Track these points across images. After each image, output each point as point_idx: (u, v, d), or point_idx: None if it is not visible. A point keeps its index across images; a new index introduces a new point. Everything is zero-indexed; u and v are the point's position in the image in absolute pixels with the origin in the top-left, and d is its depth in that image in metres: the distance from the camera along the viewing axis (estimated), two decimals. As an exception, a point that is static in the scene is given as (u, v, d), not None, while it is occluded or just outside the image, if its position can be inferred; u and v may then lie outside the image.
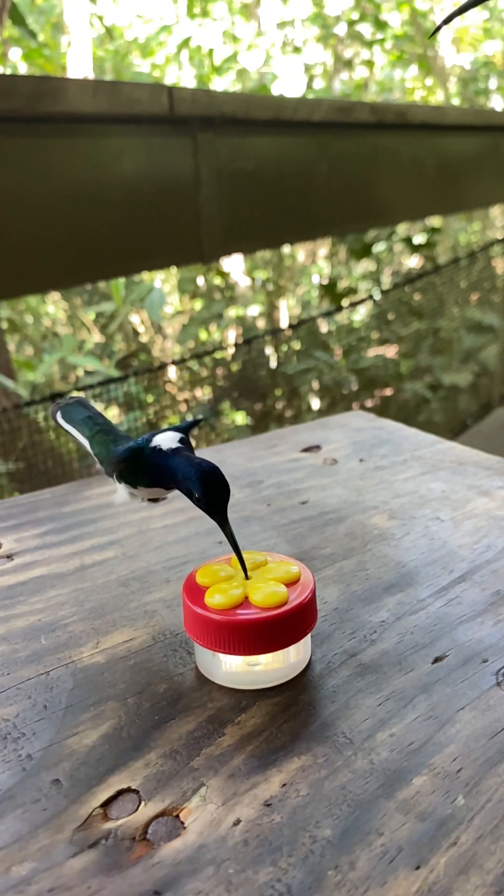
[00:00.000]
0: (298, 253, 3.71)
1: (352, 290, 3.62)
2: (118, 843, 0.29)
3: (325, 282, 3.66)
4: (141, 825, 0.30)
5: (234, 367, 2.92)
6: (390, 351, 3.53)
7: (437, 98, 4.67)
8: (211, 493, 0.39)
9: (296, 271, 3.71)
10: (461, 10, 0.34)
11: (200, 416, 0.57)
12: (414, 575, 0.48)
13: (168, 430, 0.45)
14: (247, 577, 0.40)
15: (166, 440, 0.43)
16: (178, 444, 0.42)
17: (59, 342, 2.95)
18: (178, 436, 0.43)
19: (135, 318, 3.30)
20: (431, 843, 0.29)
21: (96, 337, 3.22)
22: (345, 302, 3.40)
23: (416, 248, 3.78)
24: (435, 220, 3.93)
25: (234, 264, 3.46)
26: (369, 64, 4.47)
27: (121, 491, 0.46)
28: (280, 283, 3.59)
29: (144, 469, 0.43)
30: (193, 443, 0.46)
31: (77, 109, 1.26)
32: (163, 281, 3.37)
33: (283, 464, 0.67)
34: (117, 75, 3.61)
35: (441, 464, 0.65)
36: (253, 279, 3.63)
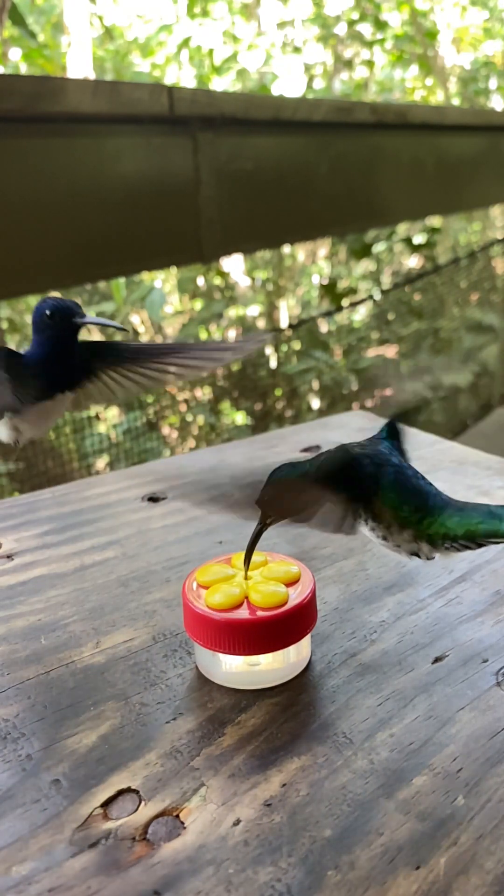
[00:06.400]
0: (298, 253, 3.71)
1: (352, 290, 3.61)
2: (118, 843, 0.29)
3: (325, 282, 3.66)
4: (141, 825, 0.30)
5: (234, 367, 2.92)
6: (390, 351, 3.52)
7: (437, 98, 4.67)
8: None
9: (296, 271, 3.71)
10: (252, 544, 0.40)
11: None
12: (414, 575, 0.48)
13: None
14: (246, 577, 0.40)
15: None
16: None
17: (59, 342, 2.94)
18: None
19: (135, 318, 3.30)
20: (431, 843, 0.29)
21: (96, 337, 3.21)
22: (345, 302, 3.39)
23: (416, 248, 3.78)
24: (435, 220, 3.93)
25: (234, 264, 3.46)
26: (369, 64, 4.47)
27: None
28: (280, 283, 3.58)
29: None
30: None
31: (77, 109, 1.26)
32: (163, 281, 3.36)
33: (283, 464, 0.67)
34: (117, 75, 3.61)
35: (441, 464, 0.65)
36: (253, 279, 3.62)
